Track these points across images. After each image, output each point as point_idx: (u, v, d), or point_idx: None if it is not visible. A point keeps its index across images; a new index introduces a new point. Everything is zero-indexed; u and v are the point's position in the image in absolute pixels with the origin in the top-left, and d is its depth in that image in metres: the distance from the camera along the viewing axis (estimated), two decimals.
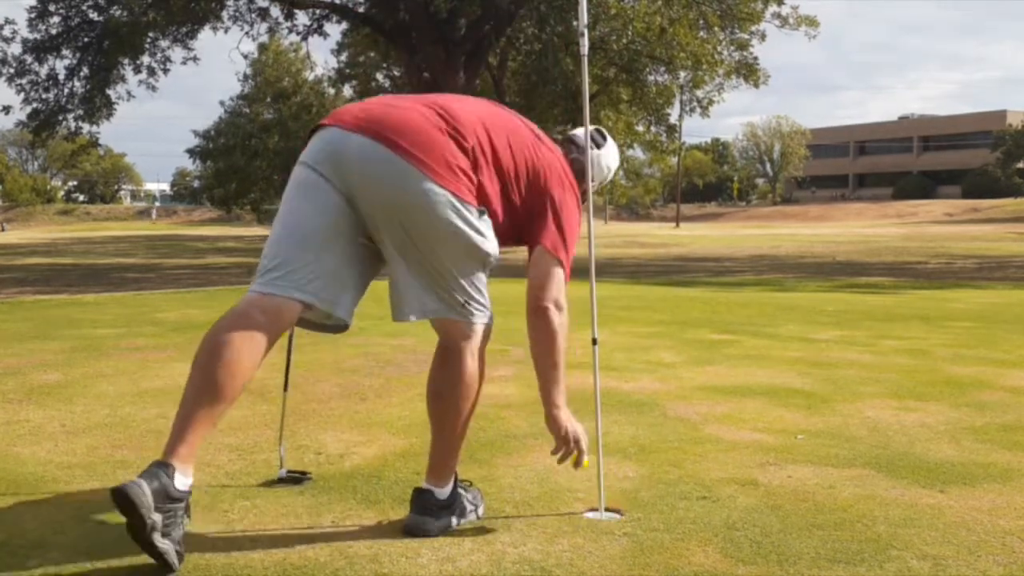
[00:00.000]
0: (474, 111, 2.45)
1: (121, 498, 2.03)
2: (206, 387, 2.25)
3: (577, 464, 2.55)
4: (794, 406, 3.97)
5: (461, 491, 2.53)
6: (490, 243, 2.38)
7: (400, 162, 2.26)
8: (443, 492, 2.46)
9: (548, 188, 2.50)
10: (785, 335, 6.31)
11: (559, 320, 2.47)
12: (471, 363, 2.44)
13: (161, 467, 2.11)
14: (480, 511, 2.57)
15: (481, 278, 2.43)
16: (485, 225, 2.37)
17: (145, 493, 2.03)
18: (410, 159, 2.26)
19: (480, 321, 2.44)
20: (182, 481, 2.12)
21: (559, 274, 2.47)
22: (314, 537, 2.39)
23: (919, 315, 7.72)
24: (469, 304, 2.40)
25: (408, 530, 2.42)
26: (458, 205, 2.29)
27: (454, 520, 2.47)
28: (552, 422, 2.55)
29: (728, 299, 9.46)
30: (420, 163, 2.26)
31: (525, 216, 2.48)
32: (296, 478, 2.87)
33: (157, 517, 2.05)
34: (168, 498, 2.08)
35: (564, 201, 2.52)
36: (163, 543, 2.08)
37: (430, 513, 2.42)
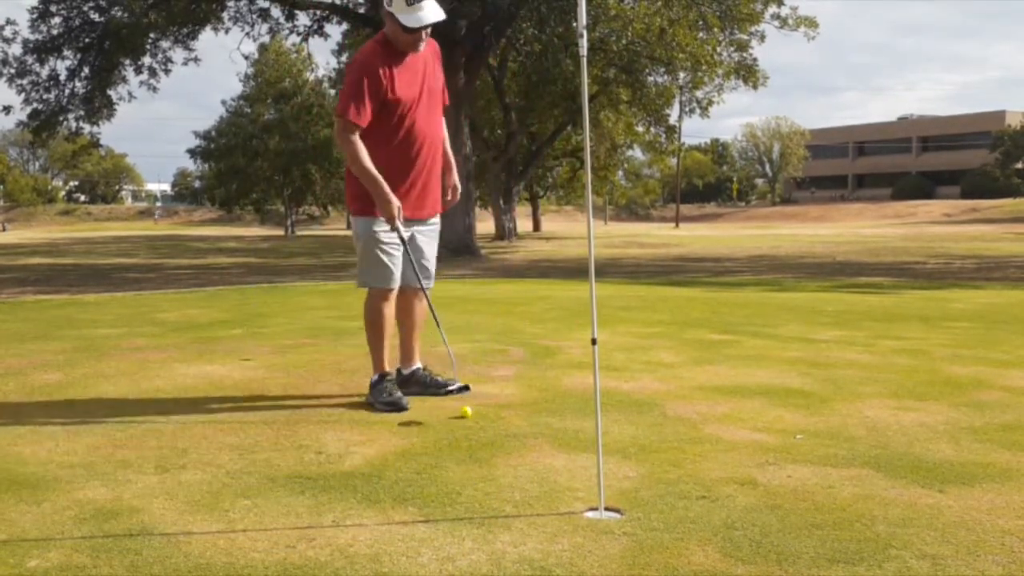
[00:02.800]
0: None
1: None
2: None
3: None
4: (793, 406, 3.97)
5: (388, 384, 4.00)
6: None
7: None
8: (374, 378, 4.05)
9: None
10: (785, 335, 6.31)
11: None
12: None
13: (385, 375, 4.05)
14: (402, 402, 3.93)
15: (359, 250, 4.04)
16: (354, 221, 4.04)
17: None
18: None
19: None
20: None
21: None
22: (314, 537, 2.40)
23: (918, 315, 7.72)
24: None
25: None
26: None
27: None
28: (457, 180, 4.22)
29: (728, 299, 9.47)
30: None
31: None
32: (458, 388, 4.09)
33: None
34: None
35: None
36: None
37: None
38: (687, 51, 21.04)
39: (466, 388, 4.15)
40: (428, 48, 3.98)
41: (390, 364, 4.09)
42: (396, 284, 4.01)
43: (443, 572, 2.18)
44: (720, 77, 24.36)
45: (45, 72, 21.28)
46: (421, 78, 3.93)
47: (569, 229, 51.78)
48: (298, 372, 4.76)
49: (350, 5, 24.17)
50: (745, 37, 23.78)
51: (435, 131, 4.04)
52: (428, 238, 4.16)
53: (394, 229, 3.87)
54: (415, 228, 4.06)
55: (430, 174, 4.06)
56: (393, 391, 3.98)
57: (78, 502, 2.68)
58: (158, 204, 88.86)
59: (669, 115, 28.53)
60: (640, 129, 32.36)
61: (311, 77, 45.36)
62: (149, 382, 4.52)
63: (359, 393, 4.22)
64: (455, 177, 4.21)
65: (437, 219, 4.21)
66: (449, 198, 4.22)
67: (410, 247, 4.01)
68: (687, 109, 27.94)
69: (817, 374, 4.74)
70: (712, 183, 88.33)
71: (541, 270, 17.20)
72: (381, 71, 3.78)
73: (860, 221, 55.86)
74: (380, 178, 3.79)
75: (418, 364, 4.25)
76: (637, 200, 76.27)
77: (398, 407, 3.88)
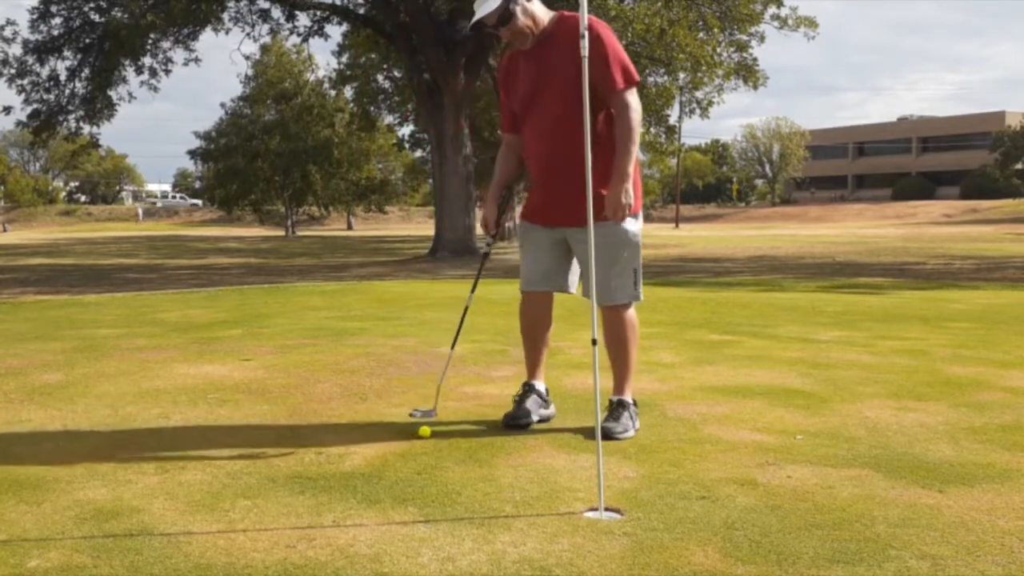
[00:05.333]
0: None
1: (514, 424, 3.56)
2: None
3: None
4: (794, 406, 3.98)
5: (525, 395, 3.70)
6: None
7: None
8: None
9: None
10: (785, 335, 6.31)
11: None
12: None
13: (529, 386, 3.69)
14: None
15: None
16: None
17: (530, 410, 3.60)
18: None
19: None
20: (542, 387, 3.74)
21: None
22: (314, 537, 2.40)
23: (918, 316, 7.72)
24: None
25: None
26: None
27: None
28: (618, 193, 3.34)
29: (728, 299, 9.47)
30: None
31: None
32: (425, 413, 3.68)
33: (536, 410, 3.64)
34: (542, 399, 3.71)
35: None
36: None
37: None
38: (687, 52, 21.04)
39: (416, 415, 3.66)
40: (571, 31, 3.35)
41: (535, 375, 3.74)
42: (528, 288, 3.67)
43: (443, 572, 2.18)
44: (720, 77, 24.32)
45: (45, 72, 21.35)
46: (545, 71, 3.44)
47: None
48: (298, 372, 4.76)
49: (350, 5, 24.18)
50: (745, 38, 23.75)
51: (566, 127, 3.36)
52: (583, 245, 3.26)
53: (487, 247, 3.89)
54: (570, 233, 3.56)
55: (556, 175, 3.46)
56: (527, 399, 3.65)
57: (78, 502, 2.68)
58: (154, 203, 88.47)
59: (669, 115, 28.47)
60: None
61: (311, 78, 45.37)
62: (149, 382, 4.52)
63: (360, 393, 4.22)
64: (615, 188, 3.31)
65: (608, 227, 3.39)
66: (606, 212, 3.33)
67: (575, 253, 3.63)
68: (687, 109, 27.89)
69: (817, 374, 4.74)
70: (712, 184, 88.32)
71: None
72: (504, 76, 3.71)
73: (860, 221, 55.84)
74: (493, 188, 3.79)
75: (535, 381, 3.74)
76: None
77: (514, 422, 3.57)
